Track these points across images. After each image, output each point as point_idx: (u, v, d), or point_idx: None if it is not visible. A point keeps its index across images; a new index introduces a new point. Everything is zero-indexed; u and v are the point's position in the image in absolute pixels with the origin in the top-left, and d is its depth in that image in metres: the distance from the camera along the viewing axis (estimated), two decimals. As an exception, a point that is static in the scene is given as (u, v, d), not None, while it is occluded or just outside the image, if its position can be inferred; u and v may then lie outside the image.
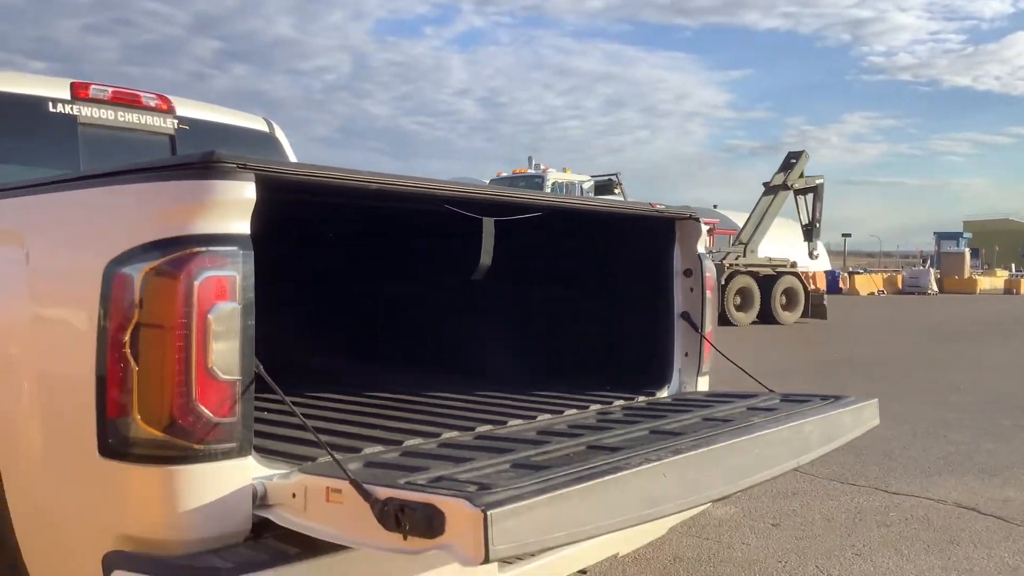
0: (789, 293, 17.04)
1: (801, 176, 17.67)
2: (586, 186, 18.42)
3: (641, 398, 2.74)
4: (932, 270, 35.86)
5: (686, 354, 2.91)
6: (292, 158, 4.42)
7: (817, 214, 18.09)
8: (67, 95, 3.51)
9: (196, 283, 1.64)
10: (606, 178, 19.03)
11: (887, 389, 7.71)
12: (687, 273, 2.92)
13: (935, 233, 50.38)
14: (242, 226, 1.73)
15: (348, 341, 3.86)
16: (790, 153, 17.91)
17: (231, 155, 1.74)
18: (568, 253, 3.19)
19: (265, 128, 4.34)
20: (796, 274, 17.32)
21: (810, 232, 18.26)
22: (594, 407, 2.57)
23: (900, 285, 33.76)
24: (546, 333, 3.25)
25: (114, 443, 1.66)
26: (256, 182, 1.75)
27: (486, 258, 2.52)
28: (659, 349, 2.90)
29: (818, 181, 17.93)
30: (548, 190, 17.32)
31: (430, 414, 2.47)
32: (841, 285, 32.62)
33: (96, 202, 1.86)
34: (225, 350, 1.67)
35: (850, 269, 41.23)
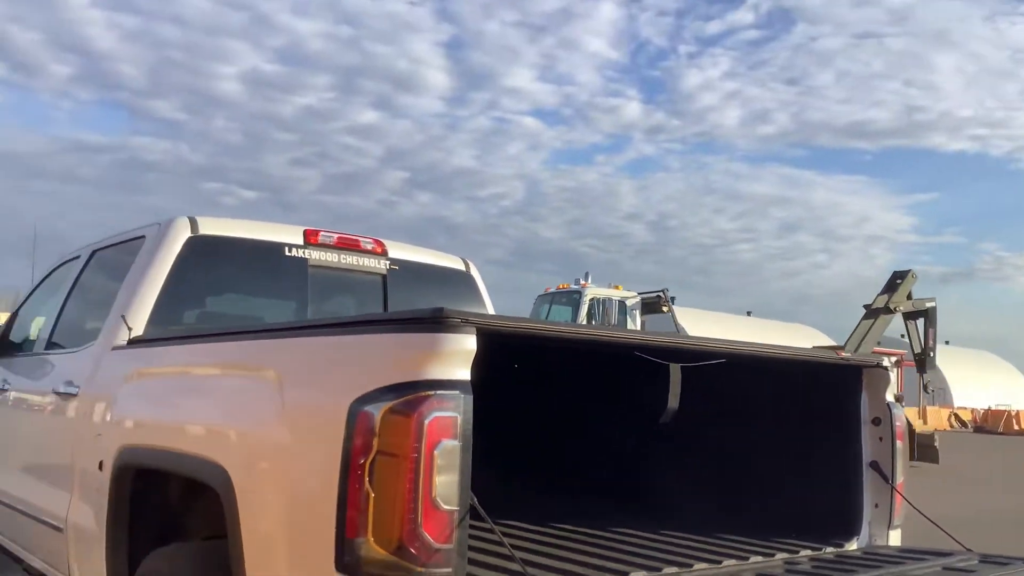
0: None
1: (908, 298, 16.04)
2: (630, 303, 18.11)
3: (829, 549, 2.73)
4: None
5: (876, 505, 2.88)
6: (485, 293, 4.76)
7: (930, 341, 16.24)
8: (300, 241, 3.98)
9: (426, 422, 1.89)
10: (654, 295, 18.62)
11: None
12: (875, 422, 2.92)
13: None
14: (464, 373, 1.97)
15: (540, 472, 4.02)
16: (895, 273, 16.36)
17: (456, 312, 1.99)
18: (753, 396, 3.26)
19: (463, 267, 4.69)
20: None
21: (923, 362, 16.28)
22: (780, 555, 2.60)
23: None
24: (730, 474, 3.29)
25: (350, 561, 1.90)
26: (476, 334, 2.00)
27: (673, 402, 2.65)
28: (847, 499, 2.89)
29: (928, 304, 16.24)
30: (585, 306, 17.26)
31: (619, 551, 2.58)
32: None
33: (342, 347, 2.17)
34: (447, 482, 1.89)
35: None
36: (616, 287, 18.60)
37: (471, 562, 2.16)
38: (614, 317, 17.63)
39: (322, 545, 1.95)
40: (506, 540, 1.93)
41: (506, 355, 3.13)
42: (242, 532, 2.21)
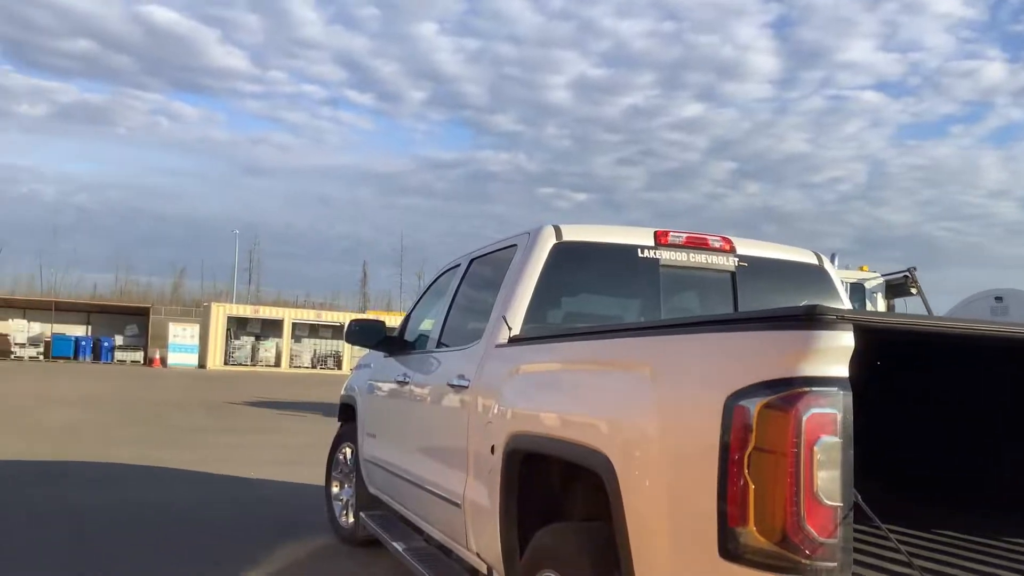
0: None
1: None
2: (869, 285, 15.25)
3: None
4: None
5: None
6: (841, 288, 4.59)
7: None
8: (651, 242, 4.12)
9: (804, 418, 1.92)
10: (900, 275, 15.54)
11: None
12: None
13: None
14: (842, 370, 1.96)
15: (913, 476, 3.81)
16: None
17: (831, 308, 1.99)
18: None
19: (815, 261, 4.56)
20: None
21: None
22: None
23: None
24: None
25: (733, 548, 1.99)
26: (854, 331, 1.98)
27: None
28: None
29: None
30: None
31: (1020, 563, 2.39)
32: None
33: (715, 344, 2.26)
34: (828, 478, 1.90)
35: None
36: (862, 268, 16.67)
37: (856, 563, 2.14)
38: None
39: (703, 531, 2.07)
40: (895, 540, 1.89)
41: (871, 351, 3.01)
42: (626, 515, 2.39)
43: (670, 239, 4.18)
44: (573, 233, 3.99)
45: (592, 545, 2.62)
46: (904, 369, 3.60)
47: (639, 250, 4.10)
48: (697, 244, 4.24)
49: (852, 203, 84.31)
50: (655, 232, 4.18)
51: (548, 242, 3.89)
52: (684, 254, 4.20)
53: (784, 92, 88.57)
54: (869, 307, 16.38)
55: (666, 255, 4.14)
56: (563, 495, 3.19)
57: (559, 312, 4.10)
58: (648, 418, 2.39)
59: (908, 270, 17.04)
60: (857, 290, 16.58)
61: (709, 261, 4.25)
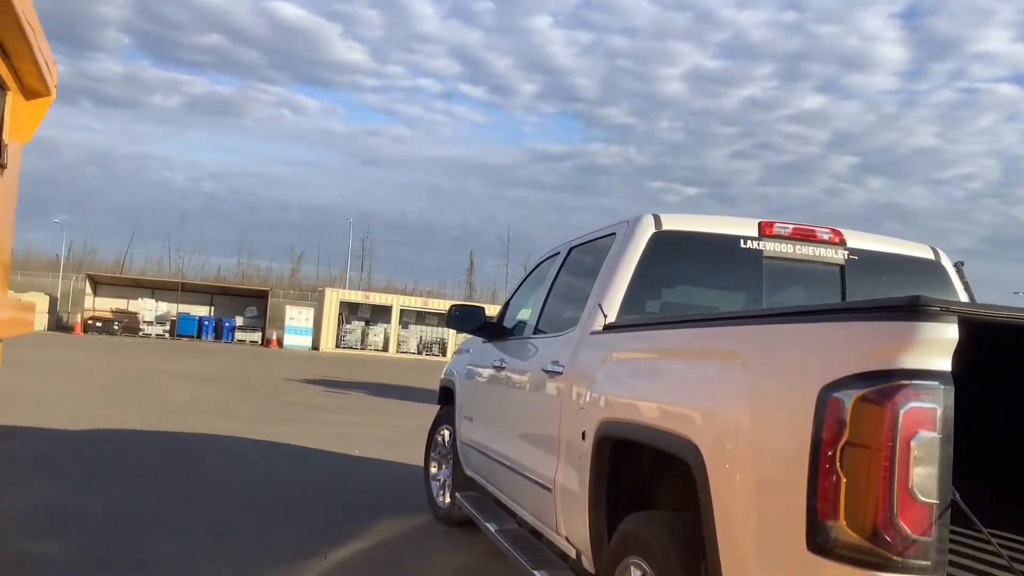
0: None
1: None
2: None
3: None
4: None
5: None
6: (959, 285, 4.37)
7: None
8: (755, 233, 4.02)
9: (901, 412, 1.85)
10: None
11: None
12: None
13: None
14: (944, 363, 1.88)
15: (1017, 475, 3.61)
16: None
17: (935, 299, 1.91)
18: None
19: (931, 256, 4.36)
20: None
21: None
22: None
23: None
24: None
25: (821, 541, 1.94)
26: (959, 324, 1.90)
27: None
28: None
29: None
30: None
31: None
32: None
33: (811, 334, 2.20)
34: (924, 474, 1.83)
35: None
36: None
37: (952, 564, 2.06)
38: None
39: (792, 524, 2.02)
40: (995, 543, 1.80)
41: (980, 347, 2.86)
42: (713, 505, 2.36)
43: (775, 230, 4.05)
44: (673, 222, 3.93)
45: (679, 534, 2.60)
46: (1014, 364, 3.40)
47: (741, 240, 4.00)
48: (804, 236, 4.10)
49: (983, 201, 79.87)
50: (759, 223, 4.06)
51: (647, 231, 3.85)
52: (790, 246, 4.07)
53: (912, 84, 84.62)
54: None
55: (770, 246, 4.02)
56: (652, 483, 3.17)
57: (657, 302, 4.06)
58: (739, 408, 2.35)
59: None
60: None
61: (816, 254, 4.11)
